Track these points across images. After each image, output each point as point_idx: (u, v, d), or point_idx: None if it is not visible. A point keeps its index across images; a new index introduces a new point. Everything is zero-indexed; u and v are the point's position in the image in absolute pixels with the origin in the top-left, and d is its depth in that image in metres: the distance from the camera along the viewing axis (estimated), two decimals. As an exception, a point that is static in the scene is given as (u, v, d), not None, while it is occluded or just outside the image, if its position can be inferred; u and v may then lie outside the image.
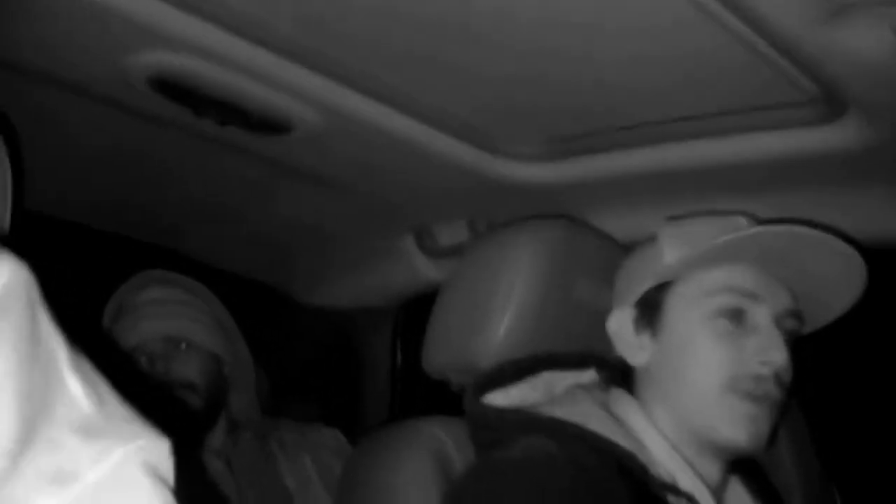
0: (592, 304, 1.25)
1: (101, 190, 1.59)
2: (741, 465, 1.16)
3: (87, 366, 0.56)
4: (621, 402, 1.13)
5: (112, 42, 1.08)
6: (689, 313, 1.09)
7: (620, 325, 1.15)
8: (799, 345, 1.12)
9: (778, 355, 1.04)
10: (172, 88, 1.17)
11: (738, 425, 1.04)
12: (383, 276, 1.85)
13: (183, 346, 1.71)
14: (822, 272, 1.08)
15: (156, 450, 0.55)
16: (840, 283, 1.10)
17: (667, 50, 1.03)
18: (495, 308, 1.23)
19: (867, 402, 2.51)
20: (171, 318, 1.72)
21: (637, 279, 1.16)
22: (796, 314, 1.10)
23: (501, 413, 1.11)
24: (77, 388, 0.53)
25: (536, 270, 1.23)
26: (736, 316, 1.06)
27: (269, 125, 1.25)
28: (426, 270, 1.76)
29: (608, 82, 1.14)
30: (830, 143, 1.14)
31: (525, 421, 1.09)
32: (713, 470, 1.09)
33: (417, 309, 1.87)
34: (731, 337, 1.06)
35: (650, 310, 1.13)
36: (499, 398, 1.14)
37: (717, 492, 1.09)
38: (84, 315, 1.67)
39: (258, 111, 1.22)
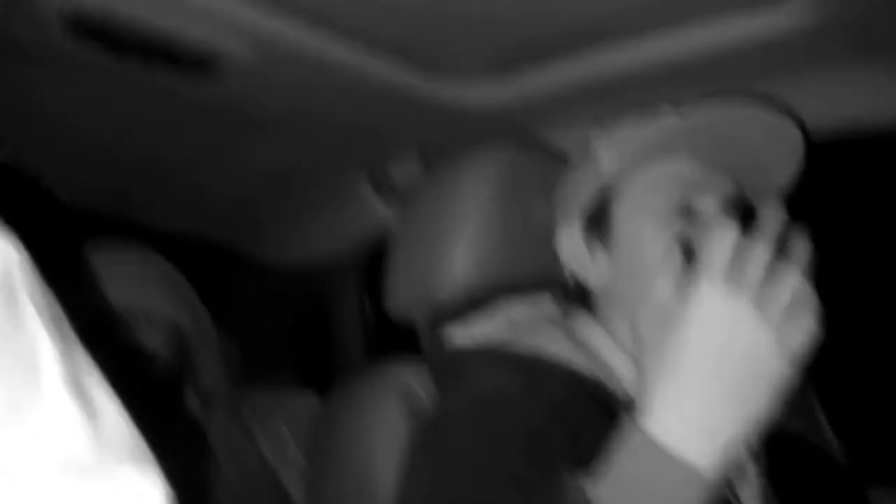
0: (550, 225, 1.19)
1: (26, 154, 1.52)
2: None
3: (87, 371, 0.48)
4: (583, 324, 1.08)
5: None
6: (636, 218, 1.04)
7: (570, 243, 1.10)
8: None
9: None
10: (88, 28, 1.10)
11: None
12: (342, 224, 1.80)
13: (141, 317, 1.65)
14: (756, 144, 1.03)
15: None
16: (779, 152, 1.05)
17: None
18: (450, 238, 1.17)
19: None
20: (127, 289, 1.65)
21: (578, 191, 1.11)
22: (742, 198, 1.05)
23: (460, 353, 1.07)
24: (61, 404, 0.45)
25: (488, 195, 1.18)
26: (685, 211, 1.02)
27: (195, 60, 1.18)
28: (383, 211, 1.71)
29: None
30: (778, 25, 1.08)
31: (482, 355, 1.04)
32: None
33: (381, 257, 1.82)
34: (682, 234, 1.01)
35: (598, 221, 1.08)
36: (460, 336, 1.12)
37: None
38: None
39: (182, 46, 1.15)
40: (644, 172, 1.04)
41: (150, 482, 0.47)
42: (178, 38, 1.13)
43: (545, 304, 1.18)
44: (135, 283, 1.68)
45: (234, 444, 1.71)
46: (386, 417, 1.15)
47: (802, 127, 1.04)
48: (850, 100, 1.22)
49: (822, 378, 1.46)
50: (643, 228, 1.03)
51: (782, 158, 1.06)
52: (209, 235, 1.93)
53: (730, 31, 1.12)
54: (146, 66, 1.19)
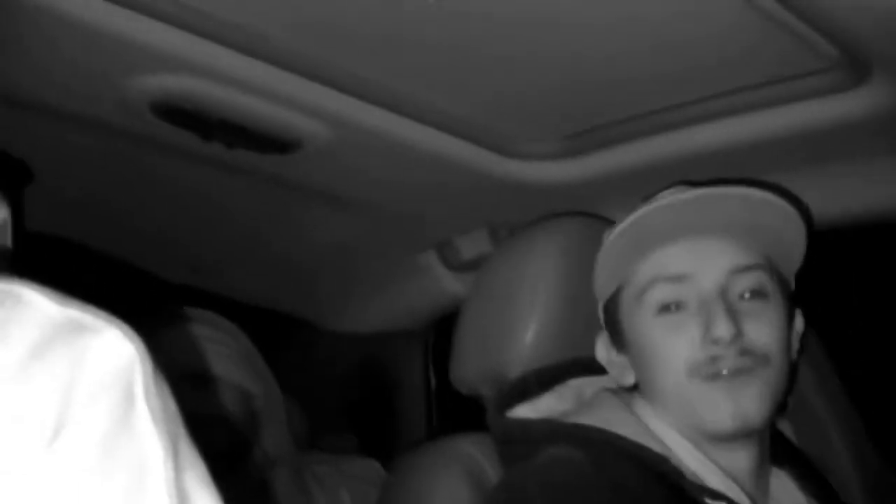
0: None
1: (111, 225, 1.58)
2: (787, 458, 1.10)
3: (191, 468, 0.51)
4: (640, 406, 1.07)
5: (110, 67, 1.07)
6: (634, 320, 1.04)
7: (603, 351, 1.11)
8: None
9: (720, 329, 0.95)
10: (176, 113, 1.15)
11: (715, 408, 0.97)
12: (408, 295, 1.81)
13: (210, 382, 1.68)
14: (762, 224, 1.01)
15: None
16: (785, 233, 1.03)
17: (677, 30, 0.99)
18: (520, 314, 1.18)
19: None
20: (199, 354, 1.69)
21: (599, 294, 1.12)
22: (752, 267, 1.01)
23: (525, 425, 1.07)
24: None
25: (559, 272, 1.19)
26: (670, 306, 1.00)
27: (279, 144, 1.23)
28: (451, 286, 1.72)
29: (619, 71, 1.11)
30: (856, 109, 1.09)
31: (549, 430, 1.04)
32: (741, 462, 1.02)
33: (448, 327, 1.83)
34: (675, 327, 1.00)
35: (613, 328, 1.08)
36: (526, 411, 1.10)
37: (755, 485, 1.02)
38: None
39: (266, 130, 1.20)
40: (635, 272, 1.04)
41: None
42: (262, 122, 1.18)
43: (611, 384, 1.18)
44: (207, 348, 1.71)
45: (294, 505, 1.72)
46: (450, 490, 1.15)
47: (807, 214, 1.05)
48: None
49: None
50: (638, 326, 1.03)
51: (791, 243, 1.05)
52: (278, 304, 1.96)
53: (801, 115, 1.13)
54: (230, 148, 1.23)
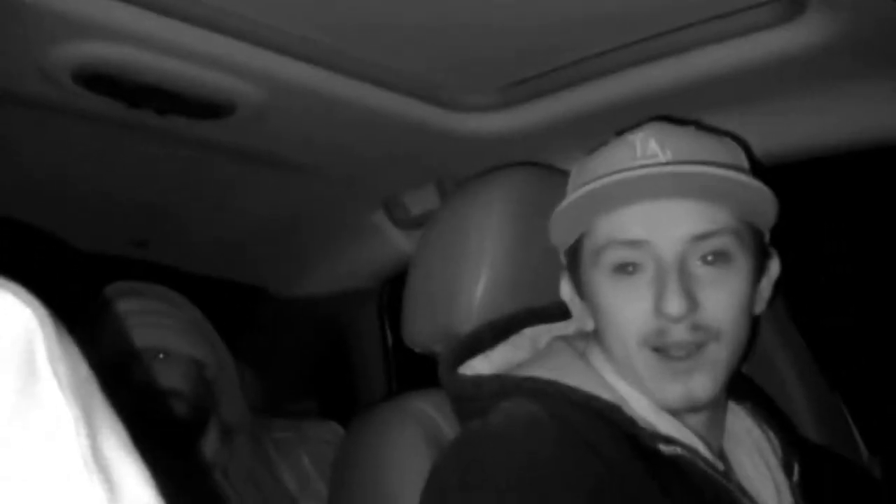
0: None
1: (45, 201, 1.53)
2: (740, 392, 1.10)
3: (109, 437, 0.47)
4: (596, 355, 1.05)
5: (27, 37, 1.03)
6: (591, 275, 1.01)
7: (567, 292, 1.08)
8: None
9: (671, 304, 0.92)
10: (100, 80, 1.11)
11: (661, 383, 0.96)
12: (359, 256, 1.80)
13: (161, 355, 1.66)
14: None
15: None
16: (752, 198, 0.98)
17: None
18: (468, 268, 1.16)
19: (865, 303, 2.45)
20: (144, 328, 1.66)
21: (560, 239, 1.09)
22: (715, 232, 0.96)
23: (477, 381, 1.04)
24: (79, 484, 0.43)
25: (506, 222, 1.17)
26: (625, 269, 0.97)
27: (211, 108, 1.19)
28: (402, 243, 1.71)
29: (553, 17, 1.08)
30: (791, 44, 1.08)
31: (501, 385, 1.02)
32: (695, 415, 1.00)
33: (401, 286, 1.82)
34: (628, 292, 0.97)
35: (575, 275, 1.06)
36: (480, 364, 1.08)
37: (709, 431, 1.02)
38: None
39: (197, 94, 1.16)
40: (594, 227, 1.00)
41: None
42: (191, 86, 1.14)
43: (570, 330, 1.17)
44: (153, 321, 1.69)
45: (255, 475, 1.71)
46: (406, 447, 1.14)
47: (753, 160, 1.02)
48: (861, 114, 1.22)
49: (855, 392, 1.47)
50: (594, 284, 1.01)
51: (764, 204, 0.99)
52: (229, 273, 1.94)
53: (739, 52, 1.12)
54: (160, 115, 1.19)
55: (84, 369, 0.48)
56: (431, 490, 0.95)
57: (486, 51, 1.16)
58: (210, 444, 1.71)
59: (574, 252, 1.05)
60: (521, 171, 1.23)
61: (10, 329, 0.45)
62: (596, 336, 1.05)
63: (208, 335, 1.77)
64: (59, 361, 0.46)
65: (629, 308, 0.97)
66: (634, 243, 0.96)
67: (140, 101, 1.16)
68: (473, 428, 0.97)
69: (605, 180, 0.96)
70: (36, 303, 0.47)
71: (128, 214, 1.64)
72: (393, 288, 1.90)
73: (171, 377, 1.65)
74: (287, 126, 1.29)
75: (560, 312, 1.15)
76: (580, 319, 1.07)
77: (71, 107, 1.19)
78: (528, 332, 1.13)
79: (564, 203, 1.01)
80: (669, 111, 1.13)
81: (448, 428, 1.16)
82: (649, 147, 1.00)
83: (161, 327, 1.68)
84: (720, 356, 0.96)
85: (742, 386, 1.11)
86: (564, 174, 1.31)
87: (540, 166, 1.30)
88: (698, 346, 0.94)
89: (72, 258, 1.72)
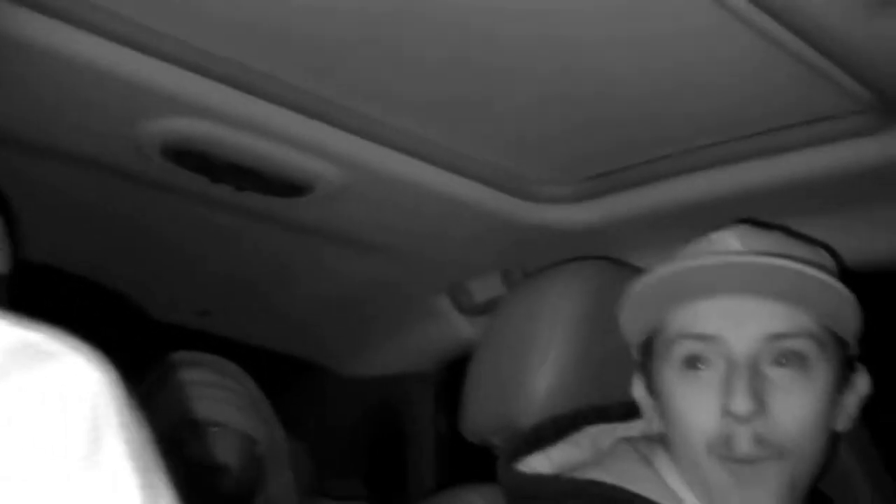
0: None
1: (118, 265, 1.55)
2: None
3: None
4: (661, 461, 1.01)
5: (120, 111, 1.05)
6: (661, 372, 0.97)
7: (637, 390, 1.05)
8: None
9: (738, 404, 0.88)
10: (186, 156, 1.13)
11: (725, 494, 0.91)
12: (420, 339, 1.78)
13: (215, 428, 1.65)
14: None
15: None
16: (834, 303, 0.94)
17: (702, 72, 0.96)
18: (533, 362, 1.14)
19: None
20: (201, 400, 1.66)
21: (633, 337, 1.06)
22: (791, 334, 0.91)
23: (537, 480, 1.00)
24: None
25: (576, 317, 1.15)
26: (693, 364, 0.93)
27: (289, 187, 1.20)
28: (464, 330, 1.69)
29: (642, 113, 1.08)
30: (881, 153, 1.06)
31: (564, 487, 0.97)
32: None
33: (459, 371, 1.79)
34: (696, 390, 0.93)
35: (646, 373, 1.02)
36: (539, 462, 1.04)
37: None
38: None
39: (276, 173, 1.17)
40: (667, 322, 0.97)
41: None
42: (272, 164, 1.15)
43: (635, 432, 1.13)
44: (210, 394, 1.68)
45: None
46: None
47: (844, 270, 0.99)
48: None
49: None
50: (664, 381, 0.97)
51: (847, 310, 0.95)
52: (289, 347, 1.93)
53: (829, 158, 1.10)
54: (239, 191, 1.21)
55: (146, 437, 0.48)
56: None
57: (571, 144, 1.16)
58: (256, 522, 1.68)
59: (647, 347, 1.01)
60: (595, 265, 1.21)
61: (78, 392, 0.44)
62: (662, 440, 1.01)
63: (263, 411, 1.75)
64: (125, 428, 0.45)
65: (696, 408, 0.92)
66: (706, 338, 0.93)
67: (221, 177, 1.17)
68: None
69: (680, 265, 0.94)
70: (106, 366, 0.46)
71: (196, 284, 1.65)
72: (450, 373, 1.87)
73: (222, 451, 1.64)
74: (362, 207, 1.30)
75: (624, 413, 1.12)
76: (649, 420, 1.03)
77: (157, 179, 1.21)
78: (591, 430, 1.10)
79: (637, 288, 0.98)
80: (753, 213, 1.11)
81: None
82: (730, 243, 0.97)
83: (217, 400, 1.67)
84: (787, 471, 0.90)
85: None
86: (638, 270, 1.29)
87: (614, 261, 1.28)
88: (761, 462, 0.89)
89: (143, 324, 1.73)
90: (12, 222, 0.95)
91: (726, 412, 0.89)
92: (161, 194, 1.26)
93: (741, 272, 0.92)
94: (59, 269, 1.44)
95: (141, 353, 1.71)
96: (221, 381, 1.70)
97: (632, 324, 1.03)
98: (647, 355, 1.01)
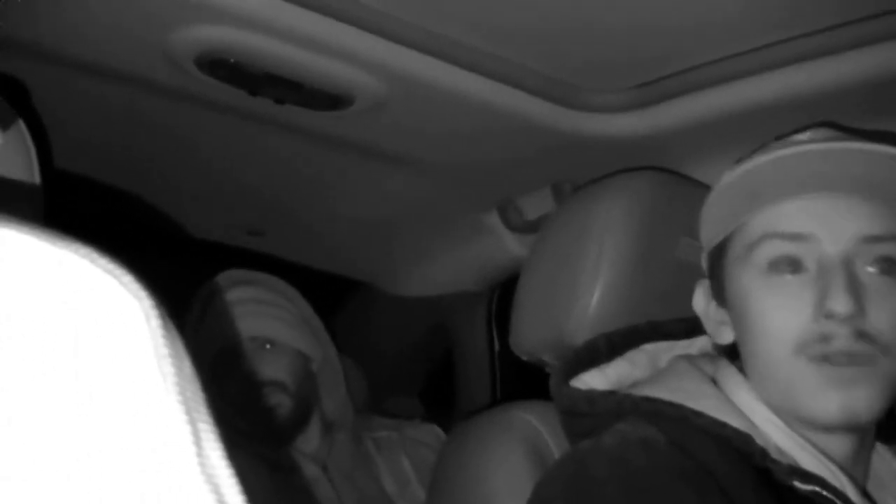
0: (698, 264, 1.11)
1: (162, 187, 1.55)
2: (888, 431, 0.98)
3: (221, 456, 0.42)
4: (728, 375, 0.96)
5: (152, 19, 1.02)
6: (739, 275, 0.92)
7: (700, 301, 1.00)
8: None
9: (838, 302, 0.82)
10: (223, 67, 1.10)
11: (819, 395, 0.84)
12: (470, 258, 1.76)
13: (268, 345, 1.66)
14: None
15: None
16: None
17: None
18: (585, 276, 1.10)
19: None
20: (254, 317, 1.67)
21: (704, 245, 1.01)
22: (886, 237, 0.86)
23: (591, 396, 0.96)
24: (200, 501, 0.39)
25: (629, 229, 1.10)
26: (782, 266, 0.88)
27: (330, 99, 1.17)
28: (515, 248, 1.66)
29: (693, 14, 1.01)
30: None
31: (618, 404, 0.94)
32: (840, 445, 0.90)
33: (512, 291, 1.77)
34: (785, 292, 0.87)
35: (716, 280, 0.97)
36: (594, 379, 1.01)
37: (854, 468, 0.91)
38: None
39: (316, 84, 1.14)
40: (747, 223, 0.92)
41: None
42: (312, 75, 1.12)
43: (695, 350, 1.09)
44: (264, 311, 1.69)
45: (354, 472, 1.69)
46: (507, 459, 1.09)
47: None
48: None
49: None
50: (743, 285, 0.91)
51: None
52: (339, 267, 1.93)
53: (888, 58, 1.02)
54: (279, 104, 1.18)
55: (189, 369, 0.45)
56: None
57: (621, 50, 1.11)
58: (311, 439, 1.70)
59: (719, 252, 0.96)
60: (647, 176, 1.17)
61: (112, 320, 0.40)
62: (729, 353, 0.97)
63: (316, 328, 1.76)
64: (165, 359, 0.43)
65: (785, 311, 0.87)
66: (797, 237, 0.87)
67: (260, 90, 1.15)
68: (584, 447, 0.90)
69: (767, 156, 0.89)
70: (143, 293, 0.44)
71: (243, 204, 1.65)
72: (503, 293, 1.85)
73: (276, 368, 1.65)
74: (406, 120, 1.26)
75: (683, 330, 1.08)
76: (716, 332, 0.98)
77: (193, 93, 1.19)
78: (648, 347, 1.06)
79: (719, 185, 0.93)
80: (809, 118, 1.05)
81: (553, 442, 1.11)
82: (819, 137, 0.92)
83: (270, 317, 1.68)
84: (886, 377, 0.84)
85: (890, 424, 0.99)
86: (692, 180, 1.24)
87: (666, 171, 1.23)
88: (865, 360, 0.83)
89: (186, 245, 1.74)
90: (41, 133, 0.94)
91: (822, 314, 0.84)
92: (199, 109, 1.25)
93: (836, 164, 0.87)
94: (100, 183, 1.44)
95: (188, 273, 1.73)
96: (272, 298, 1.71)
97: (710, 225, 0.97)
98: (719, 262, 0.96)
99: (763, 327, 0.89)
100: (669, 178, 1.19)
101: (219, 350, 1.65)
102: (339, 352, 1.82)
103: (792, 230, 0.88)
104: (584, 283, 1.11)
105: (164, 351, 0.42)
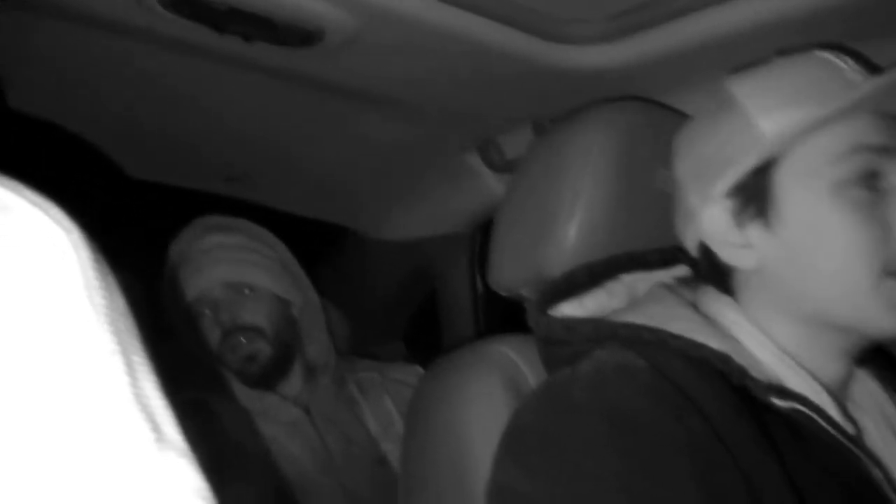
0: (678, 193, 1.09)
1: (133, 135, 1.52)
2: (868, 355, 0.98)
3: (154, 387, 0.42)
4: (713, 299, 0.95)
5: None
6: (811, 192, 0.87)
7: (714, 224, 0.94)
8: None
9: None
10: (186, 3, 1.07)
11: (893, 311, 0.85)
12: (451, 199, 1.74)
13: (247, 291, 1.65)
14: None
15: None
16: None
17: None
18: (562, 208, 1.08)
19: None
20: (232, 263, 1.66)
21: (722, 162, 0.94)
22: None
23: (568, 323, 0.95)
24: (133, 426, 0.39)
25: (606, 160, 1.08)
26: (870, 180, 0.85)
27: (299, 34, 1.14)
28: (496, 188, 1.64)
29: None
30: None
31: (595, 329, 0.93)
32: (835, 368, 0.91)
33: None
34: (870, 209, 0.85)
35: (754, 197, 0.91)
36: (571, 308, 0.99)
37: (840, 391, 0.92)
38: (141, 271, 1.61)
39: (284, 19, 1.11)
40: (819, 135, 0.88)
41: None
42: (278, 10, 1.09)
43: (670, 280, 1.08)
44: (241, 257, 1.68)
45: (337, 415, 1.70)
46: (484, 391, 1.08)
47: None
48: None
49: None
50: (819, 202, 0.87)
51: None
52: (318, 212, 1.91)
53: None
54: (248, 42, 1.15)
55: (121, 303, 0.43)
56: (511, 436, 0.88)
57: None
58: (293, 383, 1.71)
59: (761, 176, 0.91)
60: (624, 106, 1.14)
61: (38, 251, 0.40)
62: (718, 281, 0.95)
63: (295, 273, 1.75)
64: (94, 290, 0.41)
65: (872, 227, 0.85)
66: (886, 149, 0.86)
67: (226, 26, 1.11)
68: (561, 375, 0.89)
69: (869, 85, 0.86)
70: (71, 226, 0.42)
71: (219, 150, 1.62)
72: (485, 234, 1.84)
73: (256, 313, 1.65)
74: (379, 56, 1.23)
75: (661, 260, 1.07)
76: (733, 256, 0.94)
77: (159, 34, 1.15)
78: (626, 278, 1.05)
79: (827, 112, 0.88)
80: (792, 41, 1.02)
81: (530, 374, 1.10)
82: (850, 63, 0.90)
83: (248, 263, 1.67)
84: None
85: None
86: (671, 110, 1.22)
87: (643, 100, 1.21)
88: None
89: (162, 193, 1.72)
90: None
91: None
92: (168, 52, 1.21)
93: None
94: (61, 128, 1.41)
95: (165, 222, 1.71)
96: (250, 244, 1.70)
97: (767, 126, 0.91)
98: (766, 176, 0.91)
99: (844, 246, 0.86)
100: (647, 108, 1.17)
101: (195, 297, 1.64)
102: (322, 297, 1.81)
103: (882, 142, 0.86)
104: (562, 215, 1.09)
105: (95, 283, 0.41)
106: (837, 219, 0.86)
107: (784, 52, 0.94)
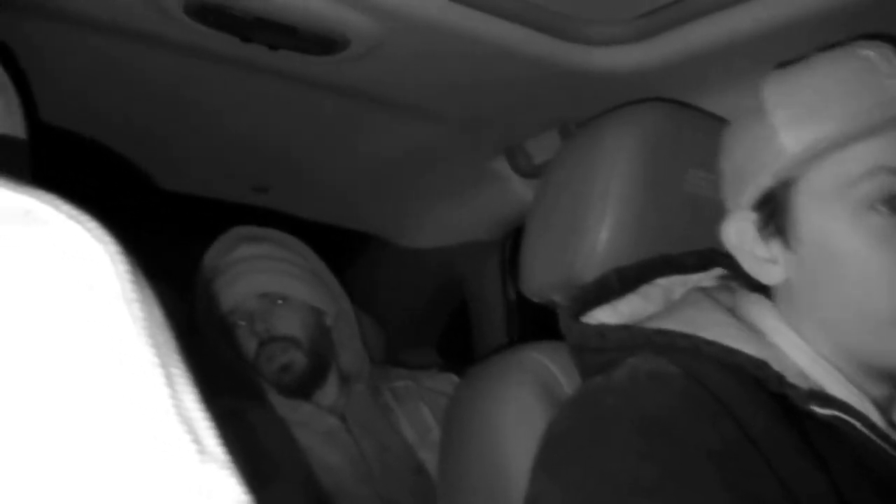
0: (710, 197, 1.07)
1: (160, 145, 1.52)
2: None
3: (195, 400, 0.41)
4: (752, 304, 0.92)
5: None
6: (828, 214, 0.84)
7: (740, 236, 0.91)
8: None
9: None
10: (212, 12, 1.08)
11: None
12: (480, 206, 1.73)
13: (280, 301, 1.66)
14: None
15: None
16: None
17: None
18: (592, 211, 1.07)
19: None
20: (265, 274, 1.66)
21: (750, 172, 0.89)
22: None
23: (601, 330, 0.92)
24: (176, 441, 0.39)
25: (635, 163, 1.07)
26: (891, 203, 0.81)
27: (324, 42, 1.14)
28: (525, 194, 1.63)
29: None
30: None
31: (629, 337, 0.90)
32: (878, 387, 0.87)
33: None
34: (891, 234, 0.81)
35: (775, 213, 0.88)
36: (605, 314, 0.97)
37: (885, 407, 0.88)
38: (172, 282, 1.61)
39: (309, 27, 1.11)
40: (840, 153, 0.84)
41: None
42: (304, 18, 1.09)
43: (707, 284, 1.06)
44: (274, 267, 1.69)
45: (373, 423, 1.69)
46: (520, 401, 1.07)
47: None
48: None
49: None
50: (836, 225, 0.84)
51: None
52: (349, 221, 1.91)
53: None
54: (272, 50, 1.16)
55: (159, 315, 0.43)
56: (545, 446, 0.86)
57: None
58: (329, 392, 1.70)
59: (780, 196, 0.88)
60: (652, 107, 1.13)
61: (76, 264, 0.39)
62: (758, 289, 0.93)
63: (328, 282, 1.76)
64: (133, 303, 0.41)
65: (893, 255, 0.81)
66: None
67: (252, 35, 1.12)
68: (595, 383, 0.87)
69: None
70: (108, 238, 0.41)
71: (245, 159, 1.62)
72: (516, 240, 1.83)
73: (289, 324, 1.65)
74: (404, 63, 1.23)
75: (697, 263, 1.05)
76: (758, 271, 0.91)
77: (185, 43, 1.16)
78: (662, 282, 1.02)
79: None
80: (820, 40, 1.00)
81: (565, 381, 1.09)
82: (892, 60, 0.86)
83: (280, 273, 1.68)
84: None
85: None
86: (699, 111, 1.20)
87: (671, 102, 1.20)
88: None
89: (191, 204, 1.73)
90: (25, 88, 0.92)
91: None
92: (194, 60, 1.22)
93: None
94: (98, 142, 1.42)
95: (196, 233, 1.71)
96: (282, 254, 1.70)
97: (788, 142, 0.87)
98: (787, 193, 0.88)
99: (862, 276, 0.83)
100: (675, 109, 1.15)
101: (229, 309, 1.65)
102: (356, 306, 1.81)
103: None
104: (592, 219, 1.08)
105: (133, 296, 0.41)
106: (855, 245, 0.83)
107: (824, 48, 0.90)
